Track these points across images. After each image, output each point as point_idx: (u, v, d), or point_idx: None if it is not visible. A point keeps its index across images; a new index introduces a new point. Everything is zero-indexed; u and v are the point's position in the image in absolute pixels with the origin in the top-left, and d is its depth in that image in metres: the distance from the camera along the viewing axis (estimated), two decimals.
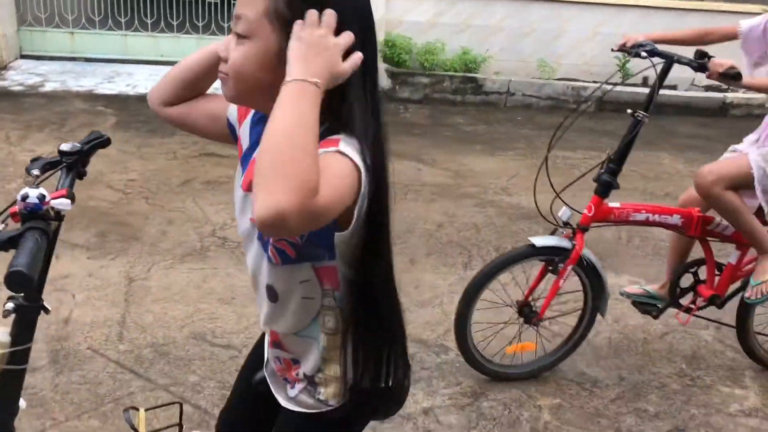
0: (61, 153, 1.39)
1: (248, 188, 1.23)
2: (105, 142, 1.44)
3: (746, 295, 2.78)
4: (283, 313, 1.26)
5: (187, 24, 7.21)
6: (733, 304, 2.96)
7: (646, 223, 2.71)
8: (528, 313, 2.80)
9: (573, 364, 3.00)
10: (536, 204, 2.59)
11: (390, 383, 1.30)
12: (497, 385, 2.83)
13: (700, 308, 2.92)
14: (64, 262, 3.42)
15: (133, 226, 3.88)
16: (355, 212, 1.06)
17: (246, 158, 1.27)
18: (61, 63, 6.92)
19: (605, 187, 2.62)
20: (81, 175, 1.42)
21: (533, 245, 2.63)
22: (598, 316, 2.83)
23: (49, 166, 1.39)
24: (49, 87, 6.23)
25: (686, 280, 2.94)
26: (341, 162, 1.03)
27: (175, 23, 7.10)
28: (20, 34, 6.97)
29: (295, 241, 1.15)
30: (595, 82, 7.17)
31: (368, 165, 1.05)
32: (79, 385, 2.62)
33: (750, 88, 2.66)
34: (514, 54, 7.24)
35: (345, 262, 1.16)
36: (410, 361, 1.41)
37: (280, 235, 0.97)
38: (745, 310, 2.90)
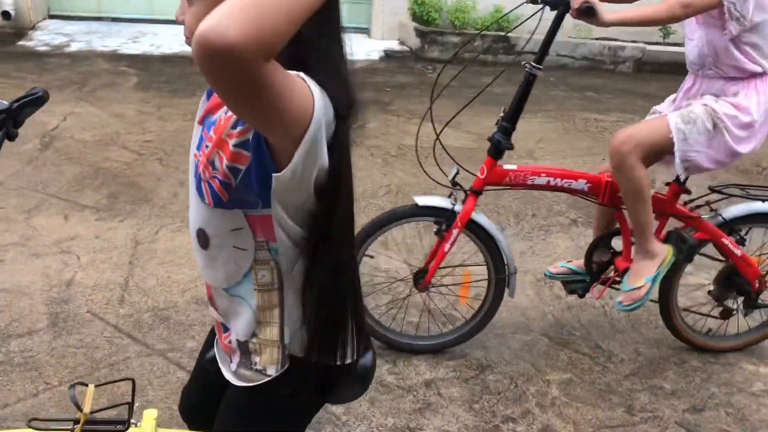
0: None
1: (201, 122, 1.17)
2: (38, 100, 1.33)
3: (618, 299, 2.58)
4: (214, 263, 1.17)
5: None
6: None
7: (548, 187, 2.50)
8: (419, 279, 2.64)
9: (588, 336, 2.86)
10: (419, 161, 2.49)
11: (345, 361, 1.20)
12: (505, 358, 2.71)
13: (616, 282, 2.70)
14: (72, 224, 3.39)
15: (144, 188, 3.83)
16: (299, 151, 0.96)
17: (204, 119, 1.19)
18: (88, 23, 6.88)
19: (497, 147, 2.43)
20: (11, 135, 1.32)
21: (417, 204, 2.50)
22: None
23: None
24: (74, 47, 6.21)
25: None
26: (299, 80, 0.95)
27: None
28: None
29: (229, 181, 1.06)
30: (634, 41, 6.85)
31: (327, 109, 0.97)
32: (76, 349, 2.59)
33: (615, 24, 2.32)
34: (549, 12, 6.94)
35: (287, 213, 1.07)
36: (370, 340, 1.31)
37: (205, 61, 0.82)
38: (668, 283, 2.67)
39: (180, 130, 4.60)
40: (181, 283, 3.02)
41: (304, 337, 1.17)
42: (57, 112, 4.70)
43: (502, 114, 2.46)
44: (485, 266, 2.63)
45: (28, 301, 2.83)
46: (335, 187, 1.05)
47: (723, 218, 2.58)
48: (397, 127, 4.91)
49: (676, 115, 2.39)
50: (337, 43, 1.06)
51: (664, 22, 2.33)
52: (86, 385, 1.44)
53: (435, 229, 2.52)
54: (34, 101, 1.34)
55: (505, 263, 2.57)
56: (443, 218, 2.49)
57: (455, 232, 2.47)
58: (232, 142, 1.06)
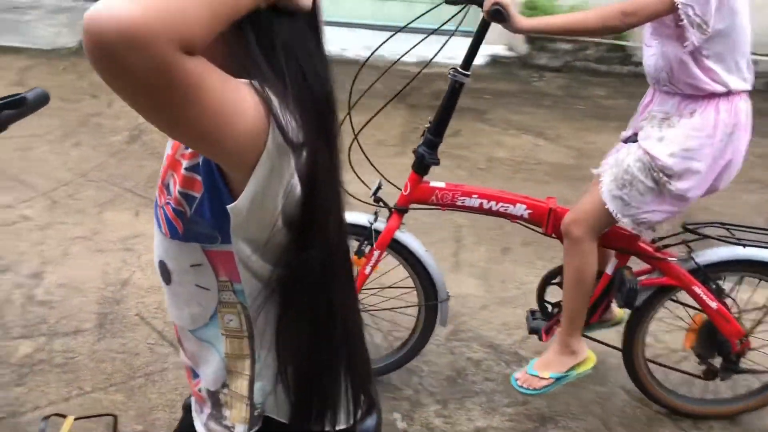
0: None
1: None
2: (19, 103, 1.20)
3: (515, 375, 2.25)
4: (177, 301, 1.00)
5: None
6: None
7: (481, 210, 2.20)
8: None
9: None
10: (353, 169, 2.10)
11: (335, 427, 1.01)
12: (572, 411, 2.39)
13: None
14: (142, 221, 3.36)
15: None
16: (254, 179, 0.79)
17: None
18: None
19: (420, 161, 2.15)
20: None
21: None
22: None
23: None
24: None
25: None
26: (246, 89, 0.76)
27: None
28: None
29: (183, 209, 0.89)
30: (766, 55, 6.16)
31: (287, 126, 0.79)
32: (116, 354, 2.52)
33: (531, 32, 2.05)
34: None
35: (252, 249, 0.88)
36: (376, 398, 1.10)
37: (101, 52, 0.65)
38: (632, 331, 2.26)
39: None
40: None
41: (281, 397, 0.98)
42: None
43: (427, 125, 2.18)
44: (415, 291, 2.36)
45: (81, 298, 2.79)
46: (309, 222, 0.86)
47: (696, 263, 2.15)
48: (489, 137, 4.62)
49: (609, 180, 2.03)
50: (313, 61, 0.85)
51: (597, 31, 1.97)
52: (64, 417, 1.31)
53: (355, 249, 2.26)
54: (14, 104, 1.21)
55: (435, 289, 2.29)
56: (364, 237, 2.24)
57: (376, 253, 2.21)
58: (184, 164, 0.89)
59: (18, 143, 3.99)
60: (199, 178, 0.87)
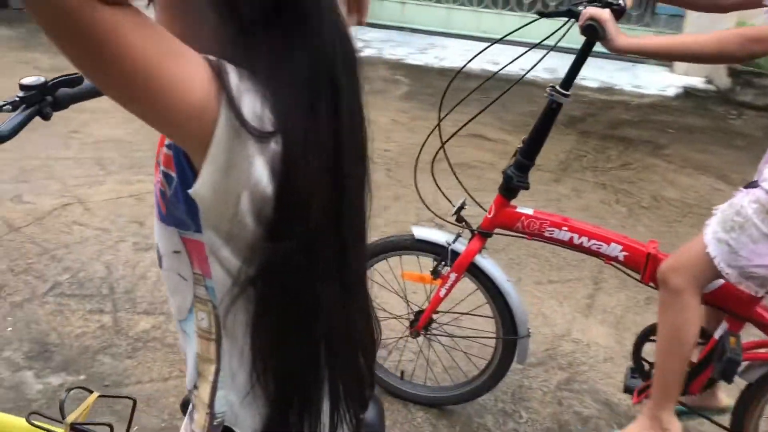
0: (22, 87, 1.22)
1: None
2: (75, 81, 1.24)
3: None
4: (168, 287, 0.97)
5: (512, 1, 6.90)
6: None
7: (571, 245, 1.98)
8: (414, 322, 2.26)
9: None
10: (436, 183, 2.02)
11: None
12: None
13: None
14: None
15: None
16: (207, 162, 0.74)
17: None
18: (388, 32, 7.18)
19: (508, 184, 2.00)
20: (45, 115, 1.23)
21: (414, 236, 2.13)
22: None
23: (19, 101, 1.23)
24: (366, 53, 6.50)
25: None
26: (197, 58, 0.72)
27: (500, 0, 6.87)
28: None
29: (165, 190, 0.86)
30: None
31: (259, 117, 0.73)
32: None
33: (632, 52, 1.74)
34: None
35: (221, 239, 0.82)
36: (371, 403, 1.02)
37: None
38: (743, 411, 1.88)
39: (420, 144, 4.48)
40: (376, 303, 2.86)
41: (249, 410, 0.91)
42: None
43: (520, 145, 1.98)
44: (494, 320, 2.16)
45: None
46: (282, 215, 0.78)
47: None
48: (662, 174, 4.20)
49: (716, 222, 1.70)
50: (295, 40, 0.77)
51: (711, 58, 1.68)
52: (90, 392, 1.33)
53: (431, 269, 2.13)
54: (71, 82, 1.25)
55: (515, 323, 2.08)
56: (442, 257, 2.10)
57: (452, 276, 2.08)
58: (166, 140, 0.86)
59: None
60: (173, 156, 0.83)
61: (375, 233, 3.34)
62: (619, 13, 1.78)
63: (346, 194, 0.88)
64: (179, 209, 0.84)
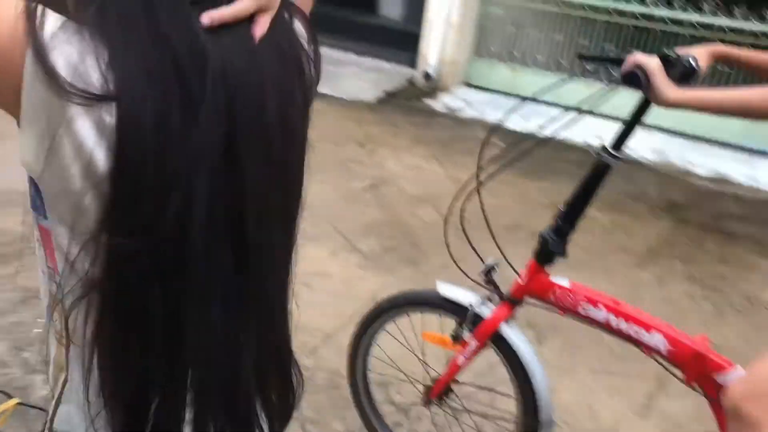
0: None
1: None
2: None
3: None
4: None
5: None
6: None
7: (607, 328, 1.74)
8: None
9: None
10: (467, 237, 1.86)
11: None
12: None
13: None
14: (331, 261, 3.35)
15: (422, 251, 3.62)
16: (24, 122, 0.65)
17: None
18: (494, 95, 7.07)
19: (544, 248, 1.80)
20: None
21: (438, 292, 1.95)
22: None
23: None
24: (467, 113, 6.41)
25: None
26: None
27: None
28: (471, 63, 7.37)
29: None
30: None
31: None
32: None
33: (681, 106, 1.50)
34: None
35: (69, 233, 0.71)
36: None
37: None
38: None
39: (502, 207, 4.28)
40: (396, 356, 2.68)
41: None
42: (406, 163, 4.83)
43: (560, 207, 1.77)
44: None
45: None
46: (120, 210, 0.67)
47: None
48: (763, 275, 3.76)
49: None
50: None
51: (763, 114, 1.42)
52: (10, 397, 1.25)
53: (452, 332, 1.95)
54: None
55: (537, 407, 1.81)
56: (464, 320, 1.87)
57: (473, 343, 1.87)
58: None
59: None
60: None
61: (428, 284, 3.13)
62: (684, 74, 1.57)
63: (245, 205, 0.75)
64: (32, 187, 0.73)
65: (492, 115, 6.45)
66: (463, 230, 1.96)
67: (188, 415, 0.79)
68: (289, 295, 0.94)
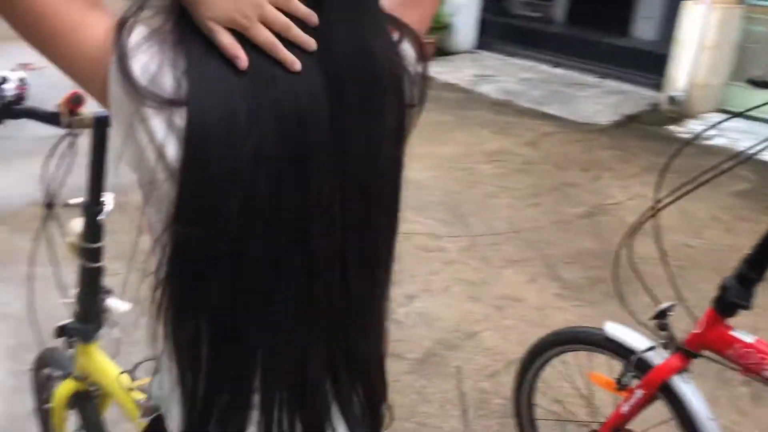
0: None
1: None
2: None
3: None
4: None
5: None
6: None
7: None
8: None
9: None
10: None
11: None
12: None
13: None
14: (530, 287, 3.24)
15: (632, 288, 3.34)
16: (114, 118, 0.76)
17: None
18: (753, 123, 6.33)
19: (724, 298, 1.54)
20: None
21: (604, 333, 1.77)
22: None
23: None
24: (714, 141, 5.82)
25: None
26: (100, 18, 0.75)
27: None
28: (727, 88, 6.69)
29: None
30: None
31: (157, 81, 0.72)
32: (414, 392, 2.49)
33: None
34: None
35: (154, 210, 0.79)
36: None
37: None
38: None
39: (738, 248, 3.81)
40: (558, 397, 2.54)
41: (178, 408, 0.85)
42: (632, 191, 4.52)
43: (746, 253, 1.46)
44: None
45: (425, 330, 2.86)
46: (186, 194, 0.73)
47: None
48: None
49: None
50: None
51: None
52: None
53: (617, 376, 1.73)
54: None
55: None
56: (631, 365, 1.69)
57: (638, 392, 1.67)
58: None
59: (488, 190, 4.32)
60: None
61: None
62: None
63: (311, 213, 0.77)
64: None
65: (743, 143, 5.79)
66: (633, 268, 1.79)
67: (256, 416, 0.82)
68: (379, 308, 0.93)
